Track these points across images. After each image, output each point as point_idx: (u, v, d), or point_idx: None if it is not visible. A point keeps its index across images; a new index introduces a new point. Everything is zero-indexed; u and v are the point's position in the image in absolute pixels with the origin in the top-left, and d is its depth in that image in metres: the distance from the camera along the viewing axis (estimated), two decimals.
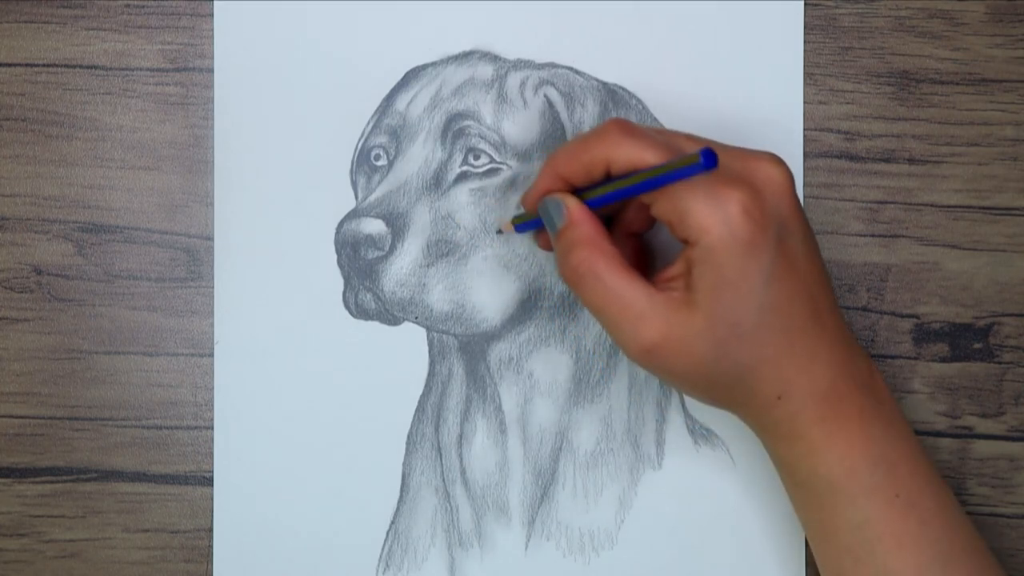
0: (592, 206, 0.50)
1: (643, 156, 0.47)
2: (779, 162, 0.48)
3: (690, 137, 0.50)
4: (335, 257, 0.57)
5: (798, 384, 0.48)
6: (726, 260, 0.46)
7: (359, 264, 0.56)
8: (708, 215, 0.46)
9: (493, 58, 0.58)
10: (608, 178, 0.49)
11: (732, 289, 0.46)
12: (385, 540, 0.57)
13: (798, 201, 0.49)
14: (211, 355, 0.57)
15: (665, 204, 0.47)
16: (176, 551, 0.57)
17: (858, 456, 0.48)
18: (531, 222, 0.53)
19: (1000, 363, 0.58)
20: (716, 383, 0.48)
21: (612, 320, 0.48)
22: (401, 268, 0.56)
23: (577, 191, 0.50)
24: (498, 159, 0.57)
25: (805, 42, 0.58)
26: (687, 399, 0.57)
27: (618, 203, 0.51)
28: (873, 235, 0.58)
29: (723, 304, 0.47)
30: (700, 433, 0.57)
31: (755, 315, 0.47)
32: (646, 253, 0.55)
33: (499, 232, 0.56)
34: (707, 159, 0.44)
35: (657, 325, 0.47)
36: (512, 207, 0.56)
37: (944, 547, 0.48)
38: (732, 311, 0.47)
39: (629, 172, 0.48)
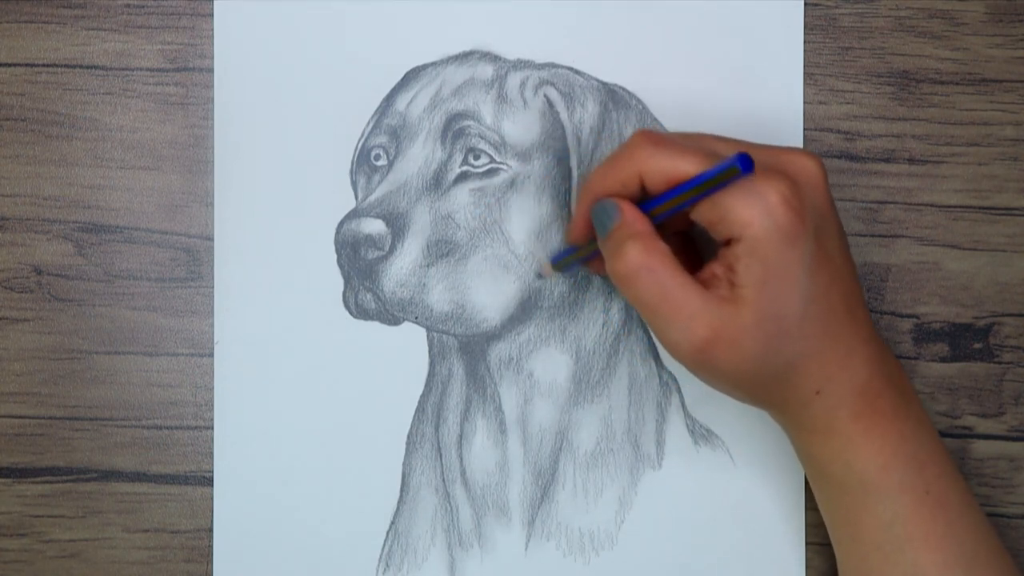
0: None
1: (677, 166, 0.47)
2: (813, 155, 0.49)
3: (717, 137, 0.50)
4: (335, 257, 0.57)
5: (838, 379, 0.48)
6: (771, 251, 0.46)
7: (359, 264, 0.56)
8: (749, 209, 0.46)
9: (493, 58, 0.58)
10: (644, 192, 0.49)
11: (777, 281, 0.46)
12: (385, 540, 0.57)
13: (831, 194, 0.49)
14: (211, 355, 0.57)
15: (703, 206, 0.47)
16: (176, 551, 0.57)
17: (891, 453, 0.48)
18: (569, 256, 0.54)
19: (1000, 363, 0.58)
20: (761, 380, 0.48)
21: (664, 318, 0.48)
22: (401, 268, 0.56)
23: None
24: (498, 159, 0.56)
25: (805, 42, 0.58)
26: (687, 399, 0.57)
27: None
28: (873, 235, 0.58)
29: (769, 297, 0.46)
30: (700, 433, 0.57)
31: (799, 307, 0.47)
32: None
33: (539, 276, 0.56)
34: (744, 165, 0.45)
35: (710, 323, 0.47)
36: (512, 207, 0.56)
37: (969, 547, 0.49)
38: (778, 304, 0.47)
39: (665, 183, 0.48)
